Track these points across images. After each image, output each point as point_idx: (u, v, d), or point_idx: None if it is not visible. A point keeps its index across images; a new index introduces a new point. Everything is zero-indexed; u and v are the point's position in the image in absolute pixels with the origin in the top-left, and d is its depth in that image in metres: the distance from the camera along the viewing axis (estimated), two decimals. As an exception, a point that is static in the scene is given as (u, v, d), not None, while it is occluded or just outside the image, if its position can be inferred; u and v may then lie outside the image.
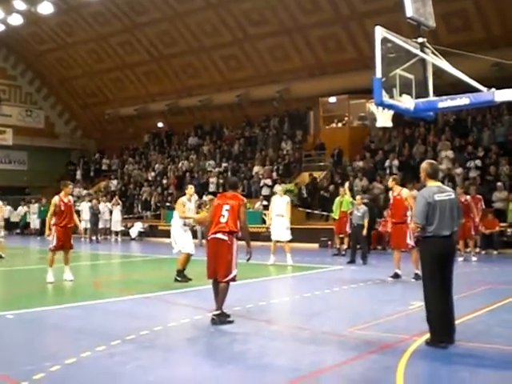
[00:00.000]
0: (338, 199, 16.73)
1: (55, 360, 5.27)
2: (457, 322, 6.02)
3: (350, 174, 22.16)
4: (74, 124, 39.43)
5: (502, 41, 21.24)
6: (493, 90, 6.12)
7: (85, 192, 29.94)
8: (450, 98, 6.32)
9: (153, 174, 30.36)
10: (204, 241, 15.58)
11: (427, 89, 6.62)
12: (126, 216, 26.52)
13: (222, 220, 7.02)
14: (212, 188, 25.10)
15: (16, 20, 28.93)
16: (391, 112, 6.91)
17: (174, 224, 10.76)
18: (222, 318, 6.92)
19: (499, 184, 17.93)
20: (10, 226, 27.48)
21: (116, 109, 35.17)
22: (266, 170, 24.93)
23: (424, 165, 6.23)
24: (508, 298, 8.65)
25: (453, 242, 6.15)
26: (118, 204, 25.15)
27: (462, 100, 6.21)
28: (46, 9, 27.82)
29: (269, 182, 23.80)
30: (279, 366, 5.32)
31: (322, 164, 25.08)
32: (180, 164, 29.65)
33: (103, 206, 24.89)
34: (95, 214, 24.17)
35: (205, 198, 17.85)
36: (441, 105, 6.47)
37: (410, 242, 10.85)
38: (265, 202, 22.12)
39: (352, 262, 14.15)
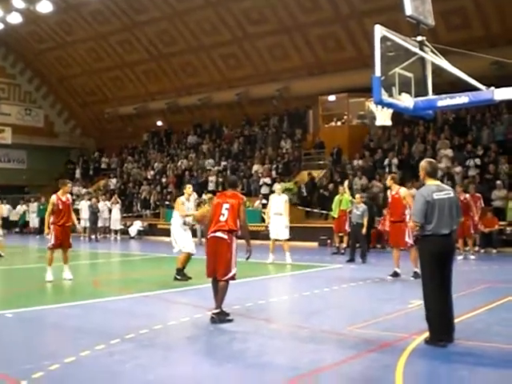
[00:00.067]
0: (337, 198, 16.73)
1: (54, 359, 5.27)
2: (456, 320, 6.02)
3: (350, 172, 22.16)
4: (73, 123, 39.34)
5: (502, 39, 21.21)
6: (492, 88, 6.12)
7: (84, 191, 29.96)
8: (449, 96, 6.33)
9: (152, 172, 30.31)
10: (203, 239, 15.57)
11: (426, 87, 6.62)
12: (125, 215, 26.47)
13: (222, 219, 7.02)
14: (211, 187, 25.06)
15: (15, 18, 28.82)
16: (390, 110, 6.91)
17: (174, 223, 10.75)
18: (221, 317, 6.92)
19: (498, 182, 17.92)
20: (9, 224, 27.41)
21: (115, 107, 35.11)
22: (266, 168, 24.91)
23: (423, 163, 6.23)
24: (507, 296, 8.65)
25: (452, 240, 6.15)
26: (118, 203, 25.12)
27: (462, 98, 6.22)
28: (45, 7, 27.74)
29: (268, 180, 23.77)
30: (278, 365, 5.32)
31: (321, 162, 25.09)
32: (179, 163, 29.61)
33: (102, 205, 24.88)
34: (94, 213, 24.17)
35: (204, 196, 17.81)
36: (440, 103, 6.47)
37: (409, 240, 10.87)
38: (264, 201, 22.10)
39: (351, 260, 14.15)
